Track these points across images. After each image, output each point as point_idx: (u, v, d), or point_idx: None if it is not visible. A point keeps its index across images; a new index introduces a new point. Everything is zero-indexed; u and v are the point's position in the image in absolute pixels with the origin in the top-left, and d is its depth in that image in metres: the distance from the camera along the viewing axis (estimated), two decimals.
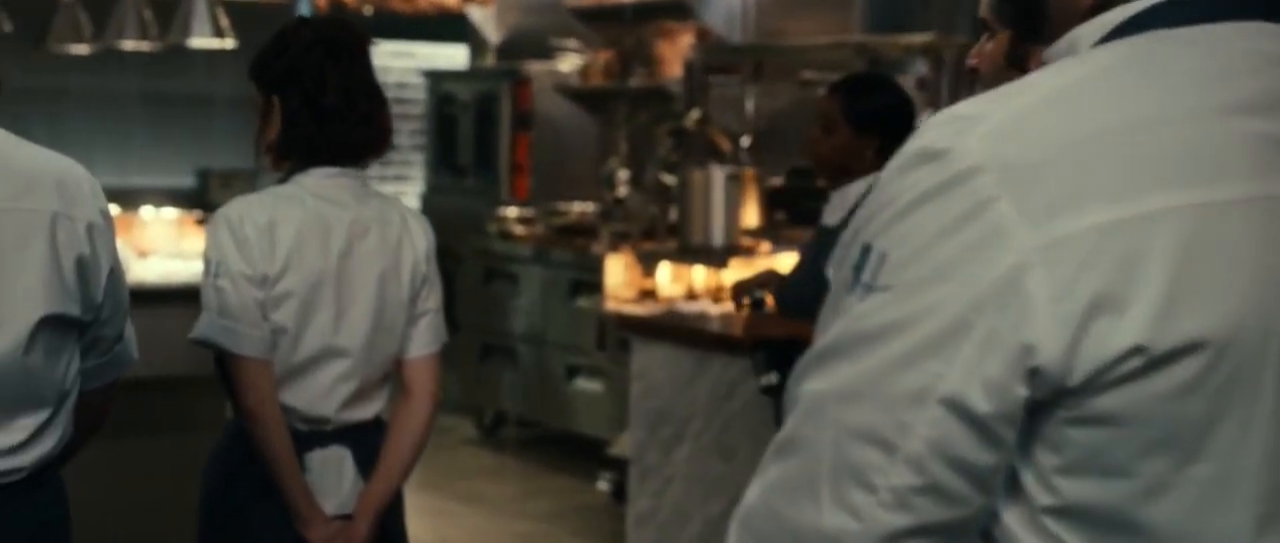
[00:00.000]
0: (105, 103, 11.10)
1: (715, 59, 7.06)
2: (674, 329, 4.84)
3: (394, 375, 3.06)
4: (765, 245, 6.82)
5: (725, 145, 7.15)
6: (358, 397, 2.96)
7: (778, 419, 4.07)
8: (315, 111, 2.91)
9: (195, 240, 6.16)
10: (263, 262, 2.87)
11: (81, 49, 7.36)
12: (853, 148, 3.87)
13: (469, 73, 9.25)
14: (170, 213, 6.54)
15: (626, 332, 5.18)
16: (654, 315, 5.78)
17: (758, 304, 3.92)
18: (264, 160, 3.02)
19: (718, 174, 6.82)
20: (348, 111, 2.92)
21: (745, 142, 7.18)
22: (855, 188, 3.88)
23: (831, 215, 3.93)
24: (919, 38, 5.99)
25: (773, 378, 3.85)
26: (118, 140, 11.22)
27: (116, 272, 2.40)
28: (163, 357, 5.52)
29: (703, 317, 5.38)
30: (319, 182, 2.93)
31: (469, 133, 8.87)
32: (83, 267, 2.30)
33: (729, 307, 6.46)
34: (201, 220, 6.57)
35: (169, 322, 5.74)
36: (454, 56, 10.39)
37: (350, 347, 2.93)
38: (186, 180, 11.27)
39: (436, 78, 9.20)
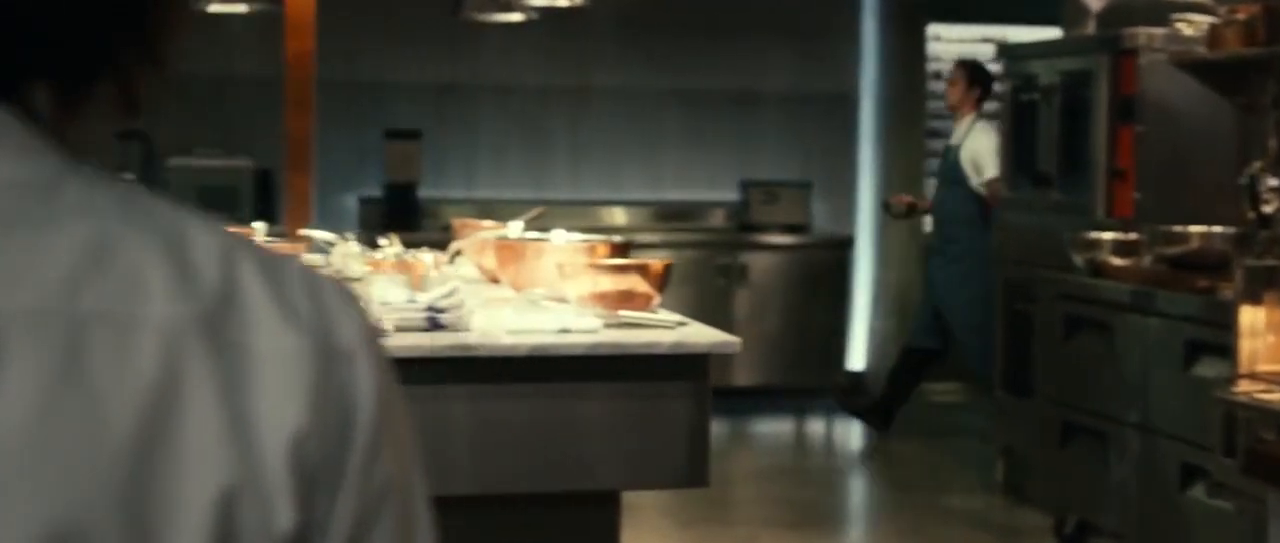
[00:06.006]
0: (634, 103, 9.41)
1: None
2: None
3: None
4: None
5: None
6: None
7: None
8: None
9: None
10: None
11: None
12: None
13: (1053, 45, 6.88)
14: None
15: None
16: None
17: None
18: None
19: None
20: None
21: None
22: None
23: None
24: None
25: None
26: (648, 149, 9.50)
27: None
28: None
29: None
30: None
31: (1053, 127, 6.52)
32: None
33: None
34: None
35: None
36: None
37: None
38: (729, 194, 9.45)
39: (1013, 54, 6.89)
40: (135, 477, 0.74)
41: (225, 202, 8.19)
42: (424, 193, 8.86)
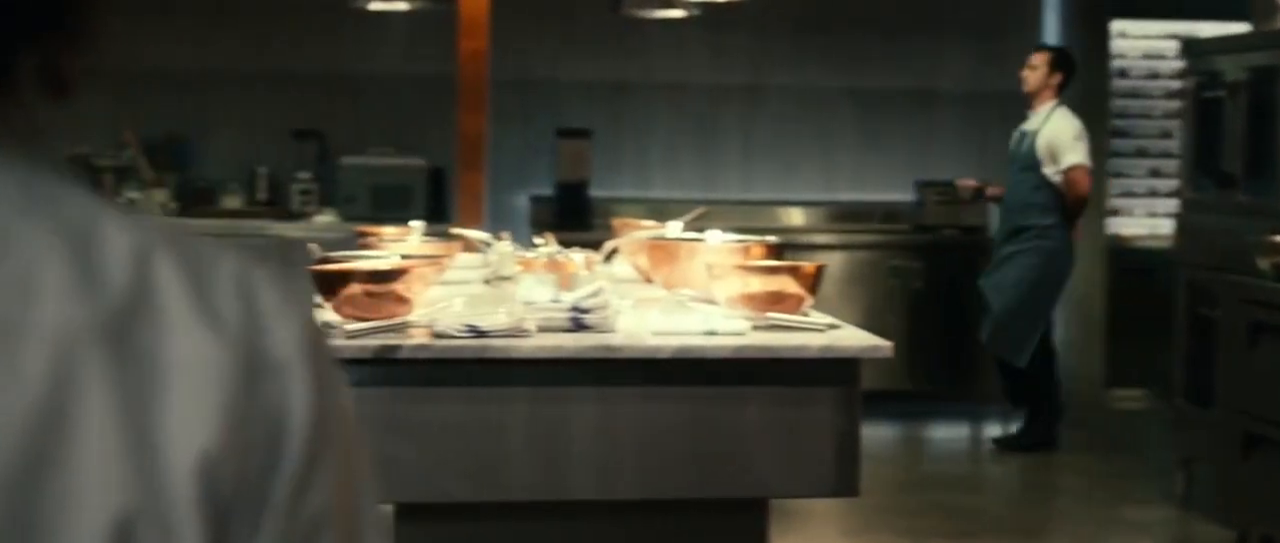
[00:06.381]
0: (807, 101, 9.28)
1: None
2: None
3: None
4: None
5: None
6: None
7: None
8: None
9: None
10: None
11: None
12: None
13: (1240, 40, 6.62)
14: None
15: None
16: None
17: None
18: None
19: None
20: None
21: None
22: None
23: None
24: None
25: None
26: (822, 147, 9.36)
27: None
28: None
29: None
30: None
31: (1238, 125, 6.26)
32: None
33: None
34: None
35: None
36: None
37: None
38: (904, 195, 9.26)
39: (1197, 49, 6.64)
40: (19, 501, 0.65)
41: (398, 200, 8.25)
42: (595, 192, 8.82)
